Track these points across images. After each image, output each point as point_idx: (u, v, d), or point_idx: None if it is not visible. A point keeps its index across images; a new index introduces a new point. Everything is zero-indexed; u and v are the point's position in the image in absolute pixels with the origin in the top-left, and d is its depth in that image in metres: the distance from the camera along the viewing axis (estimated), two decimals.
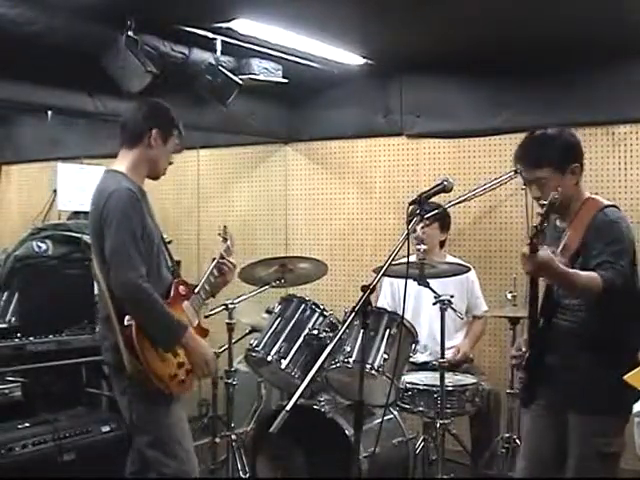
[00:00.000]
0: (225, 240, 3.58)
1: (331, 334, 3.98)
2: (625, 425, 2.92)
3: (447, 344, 4.02)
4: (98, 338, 3.24)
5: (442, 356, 3.86)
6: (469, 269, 4.26)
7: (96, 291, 4.60)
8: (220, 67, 4.48)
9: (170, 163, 3.30)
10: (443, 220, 4.63)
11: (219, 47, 4.44)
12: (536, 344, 2.93)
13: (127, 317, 2.98)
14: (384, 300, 4.65)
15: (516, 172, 4.03)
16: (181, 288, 3.27)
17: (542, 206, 2.68)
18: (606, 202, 2.92)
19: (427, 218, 4.21)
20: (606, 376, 2.80)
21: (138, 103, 3.33)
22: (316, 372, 2.44)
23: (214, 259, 3.46)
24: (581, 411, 2.86)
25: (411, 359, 4.06)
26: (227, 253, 3.53)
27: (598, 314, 2.82)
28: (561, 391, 2.90)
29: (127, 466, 3.37)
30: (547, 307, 2.94)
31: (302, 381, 2.41)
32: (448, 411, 3.93)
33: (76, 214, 5.44)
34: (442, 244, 4.74)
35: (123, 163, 3.20)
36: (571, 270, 2.72)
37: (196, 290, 3.32)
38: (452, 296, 3.94)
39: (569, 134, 2.97)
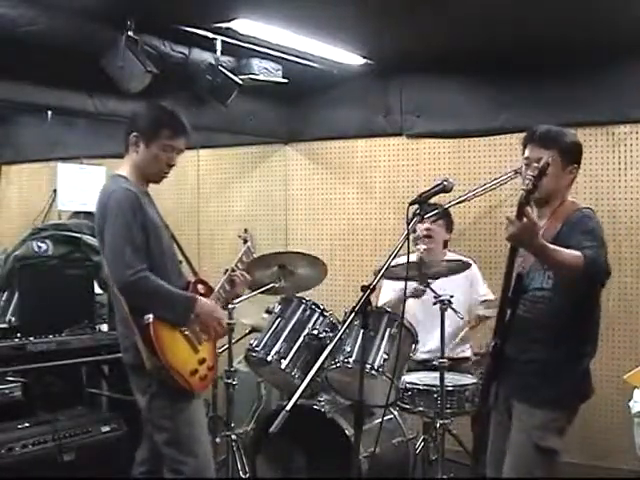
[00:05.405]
0: (245, 242, 3.57)
1: (331, 334, 3.98)
2: (566, 424, 2.90)
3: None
4: (118, 338, 3.23)
5: (442, 356, 3.86)
6: (469, 265, 4.22)
7: (97, 291, 4.65)
8: (220, 67, 4.48)
9: (170, 165, 3.20)
10: (448, 219, 4.62)
11: (219, 47, 4.44)
12: (500, 336, 2.93)
13: (146, 316, 3.00)
14: (386, 298, 4.57)
15: (516, 172, 4.01)
16: (199, 287, 3.28)
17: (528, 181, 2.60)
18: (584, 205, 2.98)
19: (433, 216, 4.20)
20: (556, 372, 2.83)
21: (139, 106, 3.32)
22: (316, 372, 2.45)
23: (226, 270, 3.42)
24: (528, 402, 2.88)
25: (412, 357, 4.04)
26: (247, 255, 3.54)
27: (556, 308, 2.83)
28: (513, 382, 2.92)
29: (135, 465, 3.35)
30: (513, 298, 2.91)
31: (302, 381, 2.41)
32: (448, 411, 3.92)
33: (76, 214, 5.45)
34: (445, 245, 4.72)
35: (124, 168, 3.22)
36: (552, 245, 2.69)
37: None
38: (452, 296, 3.92)
39: (578, 139, 3.04)
